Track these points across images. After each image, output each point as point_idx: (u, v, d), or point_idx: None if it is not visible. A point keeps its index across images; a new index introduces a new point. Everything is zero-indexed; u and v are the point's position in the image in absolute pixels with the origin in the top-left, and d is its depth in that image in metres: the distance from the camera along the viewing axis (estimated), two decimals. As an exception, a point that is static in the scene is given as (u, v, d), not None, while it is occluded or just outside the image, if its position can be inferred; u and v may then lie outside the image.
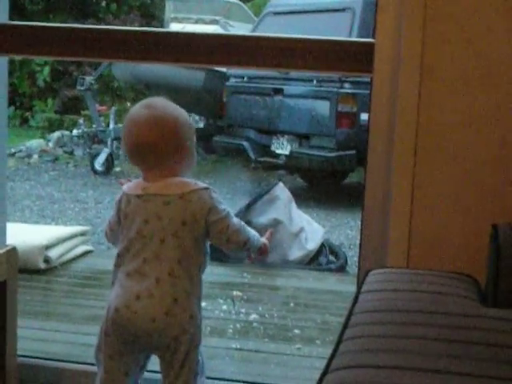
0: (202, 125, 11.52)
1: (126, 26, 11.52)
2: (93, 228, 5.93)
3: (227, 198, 7.41)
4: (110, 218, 2.32)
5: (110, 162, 9.28)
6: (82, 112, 12.20)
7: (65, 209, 7.66)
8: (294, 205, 4.91)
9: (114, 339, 2.25)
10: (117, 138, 9.10)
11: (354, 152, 7.82)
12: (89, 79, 9.22)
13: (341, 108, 7.82)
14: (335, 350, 1.76)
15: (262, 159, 8.58)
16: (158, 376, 2.34)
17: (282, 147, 8.17)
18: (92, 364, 2.76)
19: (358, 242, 6.19)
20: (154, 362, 2.30)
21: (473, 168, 2.33)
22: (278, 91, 8.27)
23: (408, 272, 2.25)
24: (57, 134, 11.09)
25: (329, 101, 7.88)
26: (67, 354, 2.91)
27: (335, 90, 7.88)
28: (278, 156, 8.22)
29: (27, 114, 13.14)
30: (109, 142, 9.33)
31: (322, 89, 8.01)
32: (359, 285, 2.19)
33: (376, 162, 2.46)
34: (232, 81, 9.00)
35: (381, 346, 1.73)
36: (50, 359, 2.85)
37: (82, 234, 4.78)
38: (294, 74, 8.15)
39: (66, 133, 11.12)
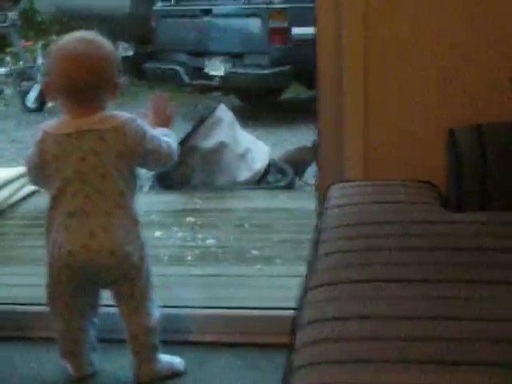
0: (131, 52, 11.34)
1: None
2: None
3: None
4: (29, 160, 2.25)
5: (42, 98, 9.08)
6: (7, 49, 11.91)
7: (1, 150, 7.51)
8: (237, 126, 4.88)
9: (68, 285, 2.25)
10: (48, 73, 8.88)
11: (288, 67, 7.78)
12: (11, 15, 8.93)
13: (272, 24, 7.73)
14: (311, 268, 1.79)
15: (197, 82, 8.47)
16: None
17: (216, 68, 8.07)
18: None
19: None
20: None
21: (425, 72, 2.34)
22: (207, 12, 8.13)
23: (368, 184, 2.28)
24: (-18, 74, 10.80)
25: (259, 18, 7.78)
26: (32, 297, 2.88)
27: (264, 6, 7.79)
28: (212, 78, 8.12)
29: None
30: (39, 78, 9.12)
31: (252, 6, 7.91)
32: (322, 200, 2.20)
33: (326, 75, 2.45)
34: (159, 5, 8.82)
35: (355, 261, 1.75)
36: (17, 304, 2.82)
37: (23, 175, 4.69)
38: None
39: (-8, 72, 10.85)
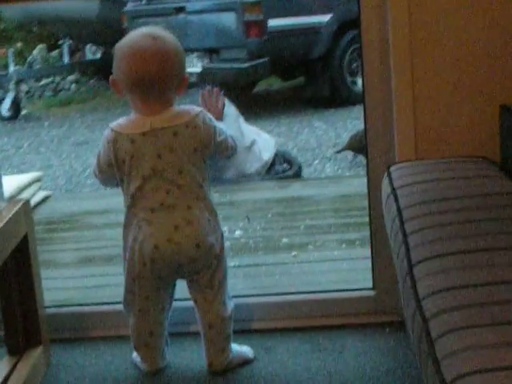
0: (99, 55, 11.31)
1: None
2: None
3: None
4: (100, 160, 2.28)
5: (16, 106, 9.04)
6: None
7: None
8: (241, 119, 4.93)
9: (151, 279, 2.28)
10: (20, 81, 8.84)
11: (266, 60, 7.84)
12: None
13: (247, 17, 7.78)
14: (406, 244, 1.84)
15: (174, 80, 8.48)
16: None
17: (193, 65, 8.10)
18: (103, 303, 2.82)
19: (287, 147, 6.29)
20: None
21: (471, 51, 2.39)
22: (181, 9, 8.15)
23: (429, 163, 2.34)
24: None
25: (234, 11, 7.82)
26: (66, 299, 2.92)
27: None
28: (189, 74, 8.14)
29: None
30: (11, 86, 9.07)
31: (225, 0, 7.94)
32: (389, 180, 2.26)
33: (371, 58, 2.49)
34: (130, 5, 8.81)
35: (446, 235, 1.82)
36: (67, 305, 2.86)
37: (38, 179, 4.72)
38: (193, -11, 8.07)
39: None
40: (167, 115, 2.21)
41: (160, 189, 2.21)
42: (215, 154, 2.31)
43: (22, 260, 2.43)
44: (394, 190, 2.18)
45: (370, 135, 2.57)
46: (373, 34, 2.45)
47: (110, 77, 2.23)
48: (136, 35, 2.22)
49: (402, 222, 1.96)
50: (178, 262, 2.24)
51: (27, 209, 2.45)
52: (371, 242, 2.65)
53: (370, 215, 2.63)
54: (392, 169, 2.34)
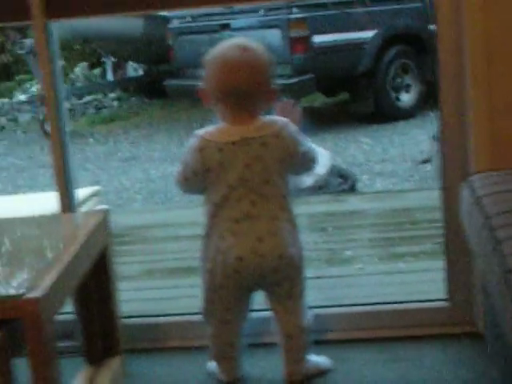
0: (141, 72, 11.41)
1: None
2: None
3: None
4: (186, 168, 2.29)
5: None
6: (17, 77, 11.94)
7: (35, 175, 7.57)
8: (297, 133, 4.93)
9: (233, 290, 2.29)
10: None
11: (311, 76, 7.88)
12: (30, 42, 8.96)
13: (293, 33, 7.83)
14: (500, 251, 1.84)
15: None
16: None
17: (238, 81, 8.14)
18: (176, 314, 2.83)
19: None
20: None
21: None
22: (226, 26, 8.21)
23: (509, 173, 2.33)
24: (-5, 103, 10.84)
25: (279, 28, 7.88)
26: (136, 310, 2.94)
27: (284, 16, 7.88)
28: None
29: (-46, 87, 12.79)
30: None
31: (270, 17, 7.99)
32: (471, 190, 2.25)
33: (447, 68, 2.49)
34: (175, 23, 8.89)
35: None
36: (143, 316, 2.88)
37: (96, 194, 4.75)
38: (237, 7, 8.10)
39: (6, 100, 10.87)
40: (256, 125, 2.23)
41: (245, 199, 2.23)
42: (298, 166, 2.32)
43: (102, 271, 2.45)
44: (478, 198, 2.17)
45: (445, 146, 2.56)
46: (448, 44, 2.46)
47: (198, 87, 2.25)
48: (226, 46, 2.24)
49: (491, 230, 1.95)
50: (260, 273, 2.25)
51: (107, 220, 2.48)
52: (445, 254, 2.64)
53: (444, 227, 2.62)
54: (472, 179, 2.34)
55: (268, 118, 2.27)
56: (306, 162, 2.34)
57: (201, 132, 2.27)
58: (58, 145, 2.67)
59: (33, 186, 6.99)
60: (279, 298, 2.34)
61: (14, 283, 1.87)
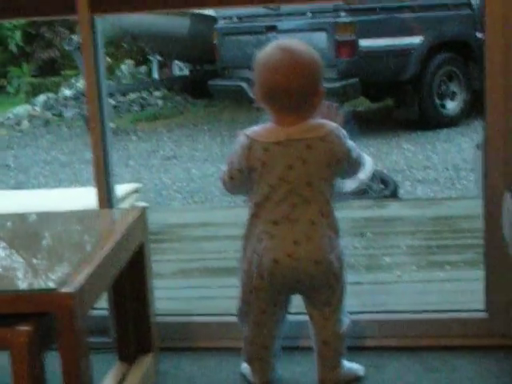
0: (186, 72, 11.45)
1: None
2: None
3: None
4: (231, 167, 2.29)
5: (106, 120, 9.17)
6: (62, 72, 12.06)
7: (77, 171, 7.62)
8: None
9: (269, 292, 2.27)
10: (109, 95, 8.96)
11: (356, 80, 7.85)
12: (77, 38, 9.04)
13: (339, 37, 7.80)
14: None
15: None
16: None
17: (283, 83, 8.13)
18: (210, 314, 2.83)
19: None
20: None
21: None
22: (272, 28, 8.20)
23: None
24: (42, 97, 10.92)
25: (325, 31, 7.85)
26: (170, 309, 2.94)
27: (331, 19, 7.85)
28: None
29: (2, 80, 12.96)
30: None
31: (317, 20, 7.96)
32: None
33: (495, 79, 2.46)
34: (221, 23, 8.91)
35: None
36: (171, 315, 2.87)
37: (136, 191, 4.76)
38: (284, 9, 8.09)
39: (52, 95, 10.98)
40: (302, 127, 2.21)
41: (285, 201, 2.21)
42: (345, 171, 2.30)
43: (138, 268, 2.45)
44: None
45: (488, 156, 2.52)
46: (496, 53, 2.43)
47: (253, 88, 2.25)
48: (274, 48, 2.22)
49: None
50: (296, 277, 2.24)
51: (144, 217, 2.48)
52: (485, 264, 2.61)
53: (484, 236, 2.58)
54: (515, 188, 2.31)
55: (317, 121, 2.24)
56: (354, 168, 2.31)
57: (248, 131, 2.25)
58: (98, 140, 2.68)
59: (75, 181, 7.04)
60: (316, 304, 2.31)
61: (50, 277, 1.87)
